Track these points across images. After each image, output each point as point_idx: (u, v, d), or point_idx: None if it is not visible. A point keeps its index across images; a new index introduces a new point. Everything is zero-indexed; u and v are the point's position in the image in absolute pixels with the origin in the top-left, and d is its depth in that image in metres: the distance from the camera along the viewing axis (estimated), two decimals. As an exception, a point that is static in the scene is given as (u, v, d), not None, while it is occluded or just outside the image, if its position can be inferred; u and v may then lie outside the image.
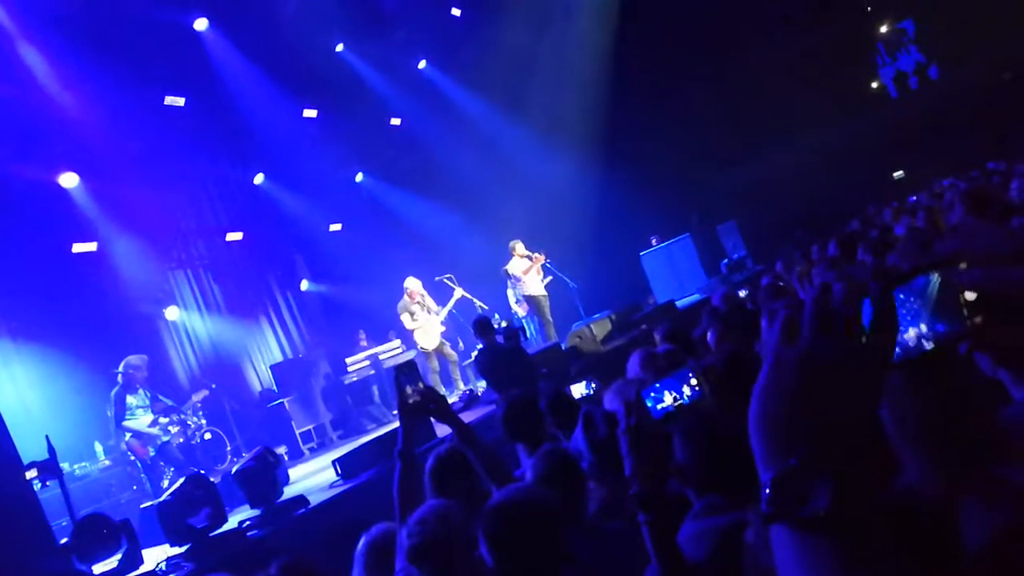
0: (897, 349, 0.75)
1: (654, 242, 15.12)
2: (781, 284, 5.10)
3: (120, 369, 8.02)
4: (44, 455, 5.58)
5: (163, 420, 8.19)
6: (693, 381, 2.11)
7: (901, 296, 0.76)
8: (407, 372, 2.83)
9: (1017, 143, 13.54)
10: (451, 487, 3.04)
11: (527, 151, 15.64)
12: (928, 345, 0.76)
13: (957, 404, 1.01)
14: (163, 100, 11.16)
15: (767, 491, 0.69)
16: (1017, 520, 0.89)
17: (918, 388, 1.02)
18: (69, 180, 10.19)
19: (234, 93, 12.11)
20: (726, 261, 13.92)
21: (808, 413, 0.69)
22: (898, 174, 18.61)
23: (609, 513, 2.75)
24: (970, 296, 0.74)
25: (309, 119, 13.50)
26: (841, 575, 0.65)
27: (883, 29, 20.48)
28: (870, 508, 0.67)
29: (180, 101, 11.37)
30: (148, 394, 8.18)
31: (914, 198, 11.76)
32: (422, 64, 15.58)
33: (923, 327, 0.76)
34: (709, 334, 4.07)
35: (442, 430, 5.76)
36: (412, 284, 10.21)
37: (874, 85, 20.39)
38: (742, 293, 7.06)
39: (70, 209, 10.23)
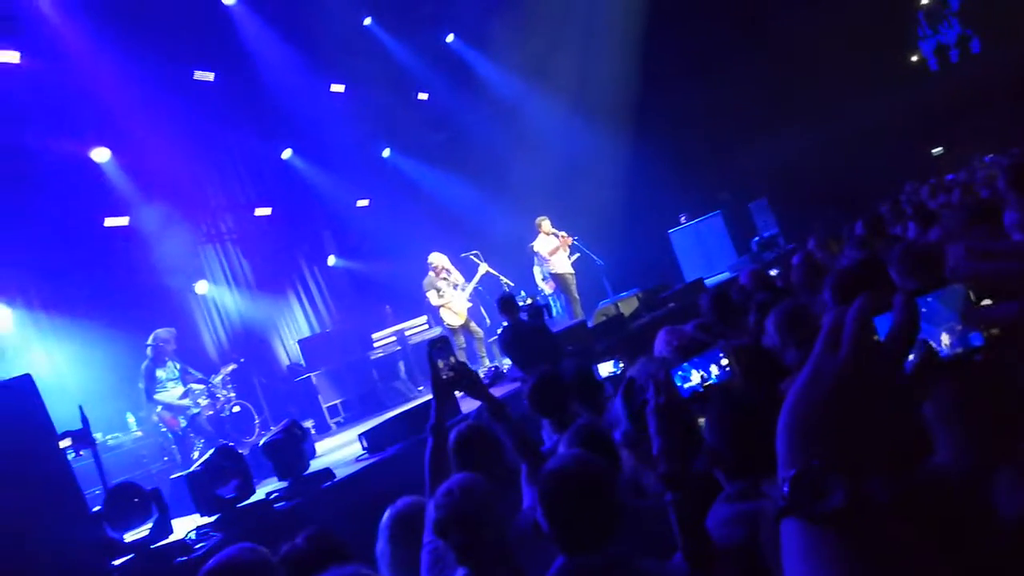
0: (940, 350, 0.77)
1: (683, 220, 14.96)
2: (816, 261, 4.99)
3: (149, 342, 8.15)
4: (78, 425, 5.69)
5: (195, 389, 8.32)
6: (723, 361, 2.07)
7: (924, 308, 0.77)
8: (440, 347, 2.84)
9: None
10: (473, 463, 3.04)
11: (555, 126, 15.48)
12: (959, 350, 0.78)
13: (993, 392, 1.00)
14: (192, 75, 11.20)
15: (785, 487, 0.71)
16: None
17: (954, 381, 1.00)
18: (101, 155, 10.30)
19: (262, 68, 12.13)
20: (757, 239, 13.75)
21: (839, 425, 0.71)
22: (937, 151, 18.16)
23: (639, 482, 2.76)
24: (983, 307, 0.76)
25: (337, 94, 13.48)
26: (850, 571, 0.66)
27: (924, 0, 19.88)
28: (887, 505, 0.68)
29: (210, 76, 11.42)
30: (178, 366, 8.30)
31: (952, 176, 11.48)
32: (450, 38, 15.46)
33: (947, 337, 0.77)
34: (749, 318, 3.99)
35: (467, 406, 5.77)
36: (437, 259, 10.14)
37: (914, 58, 19.85)
38: (773, 272, 6.95)
39: (102, 183, 10.35)
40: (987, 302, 0.76)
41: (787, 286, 5.09)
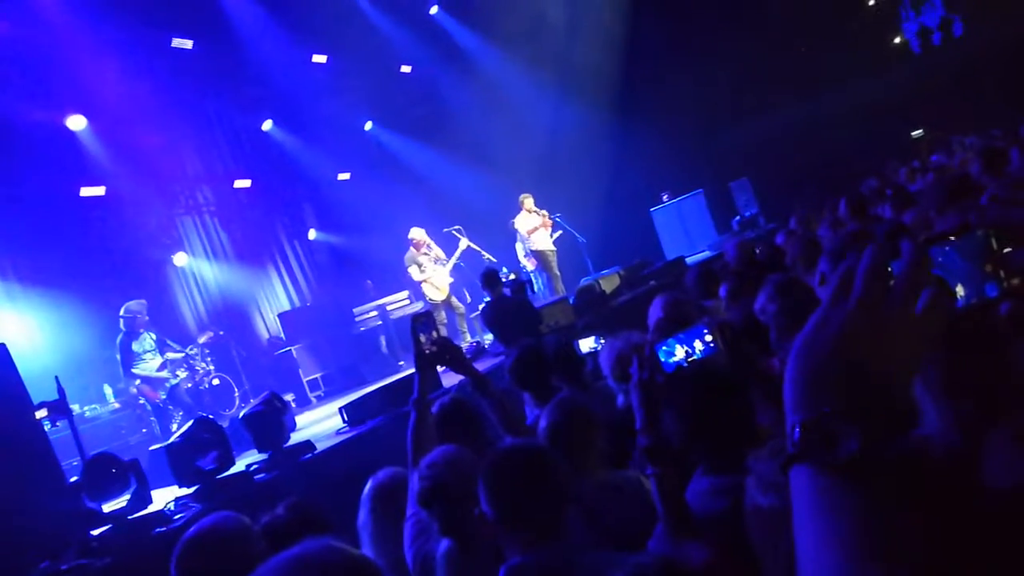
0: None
1: (665, 198, 14.98)
2: (812, 238, 5.01)
3: (122, 314, 8.07)
4: (54, 396, 5.63)
5: (171, 357, 8.27)
6: (708, 337, 2.09)
7: (940, 259, 0.76)
8: (423, 322, 2.86)
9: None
10: (456, 436, 3.05)
11: (539, 102, 15.41)
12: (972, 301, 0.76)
13: (985, 358, 1.00)
14: (170, 42, 10.98)
15: (796, 433, 0.69)
16: None
17: (949, 343, 1.01)
18: (77, 122, 10.10)
19: (243, 37, 11.90)
20: (738, 218, 13.80)
21: (849, 371, 0.69)
22: (917, 133, 18.29)
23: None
24: (1006, 255, 0.74)
25: (319, 65, 13.29)
26: (863, 520, 0.65)
27: (909, -19, 19.86)
28: (895, 457, 0.67)
29: (188, 44, 11.19)
30: (154, 337, 8.23)
31: (935, 157, 11.57)
32: (434, 10, 15.27)
33: (962, 288, 0.75)
34: (722, 288, 4.02)
35: (448, 380, 5.77)
36: (417, 234, 10.13)
37: (896, 40, 19.90)
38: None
39: (78, 152, 10.16)
40: (1008, 250, 0.74)
41: (769, 261, 5.12)
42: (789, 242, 4.95)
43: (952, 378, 1.00)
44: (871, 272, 0.71)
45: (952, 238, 0.75)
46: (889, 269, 0.72)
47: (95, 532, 4.30)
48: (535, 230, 10.92)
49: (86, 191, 10.21)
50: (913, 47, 18.39)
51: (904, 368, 0.71)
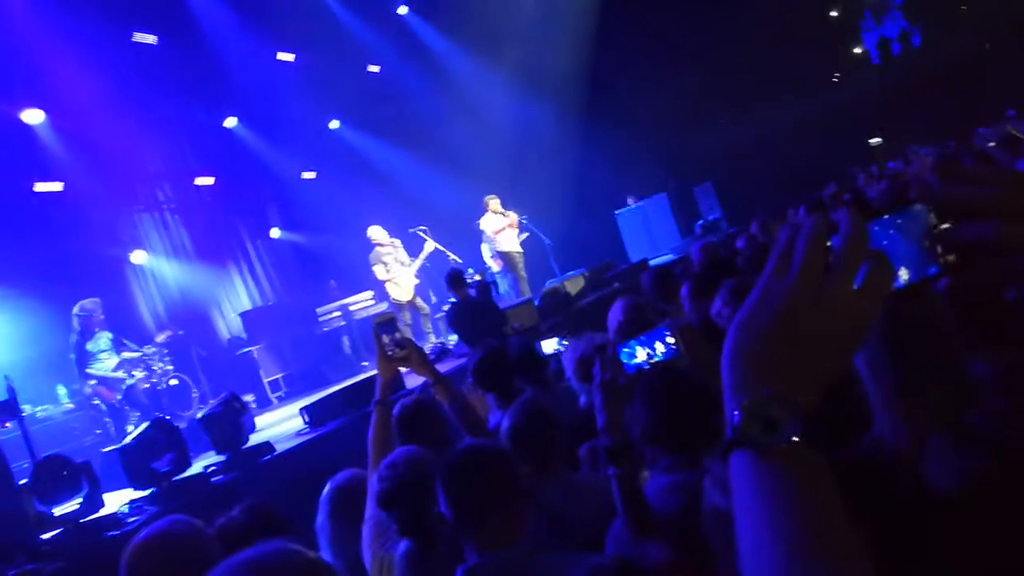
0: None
1: (630, 202, 15.11)
2: (762, 242, 5.09)
3: (75, 312, 7.88)
4: (3, 396, 5.49)
5: (127, 356, 8.10)
6: (669, 339, 2.09)
7: (885, 241, 0.72)
8: (385, 324, 2.86)
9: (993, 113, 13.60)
10: (416, 437, 3.03)
11: (506, 104, 15.43)
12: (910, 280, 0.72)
13: (927, 352, 1.01)
14: (132, 36, 10.77)
15: (735, 417, 0.67)
16: (985, 466, 0.91)
17: (888, 331, 1.01)
18: (33, 116, 9.84)
19: (207, 33, 11.72)
20: (701, 222, 13.96)
21: (789, 347, 0.68)
22: (875, 141, 18.69)
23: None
24: (944, 231, 0.70)
25: (285, 63, 13.14)
26: (801, 507, 0.63)
27: (870, -7, 20.30)
28: (841, 456, 0.66)
29: (151, 39, 10.99)
30: (110, 337, 8.06)
31: (892, 164, 11.83)
32: (403, 10, 15.20)
33: (906, 272, 0.72)
34: (683, 290, 4.05)
35: (411, 382, 5.74)
36: (376, 233, 10.10)
37: (857, 50, 20.32)
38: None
39: (34, 146, 9.90)
40: (946, 226, 0.70)
41: (730, 265, 5.17)
42: (747, 246, 5.00)
43: (903, 377, 1.00)
44: (811, 245, 0.69)
45: (888, 213, 0.72)
46: (828, 244, 0.69)
47: (45, 536, 4.20)
48: (502, 230, 10.92)
49: (41, 186, 9.95)
50: (873, 57, 18.81)
51: (843, 346, 0.69)
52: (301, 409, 6.27)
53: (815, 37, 18.68)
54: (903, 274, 0.71)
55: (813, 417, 0.66)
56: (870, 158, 16.00)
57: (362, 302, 11.92)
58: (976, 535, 0.88)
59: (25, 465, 5.62)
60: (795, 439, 0.65)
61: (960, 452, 0.94)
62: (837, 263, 0.68)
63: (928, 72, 17.50)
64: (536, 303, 8.92)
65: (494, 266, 11.62)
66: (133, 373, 8.11)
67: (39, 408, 8.27)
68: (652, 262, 11.24)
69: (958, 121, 14.29)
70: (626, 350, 2.11)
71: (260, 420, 7.92)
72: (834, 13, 19.95)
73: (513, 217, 10.97)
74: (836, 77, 18.59)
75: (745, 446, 0.66)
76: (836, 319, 0.68)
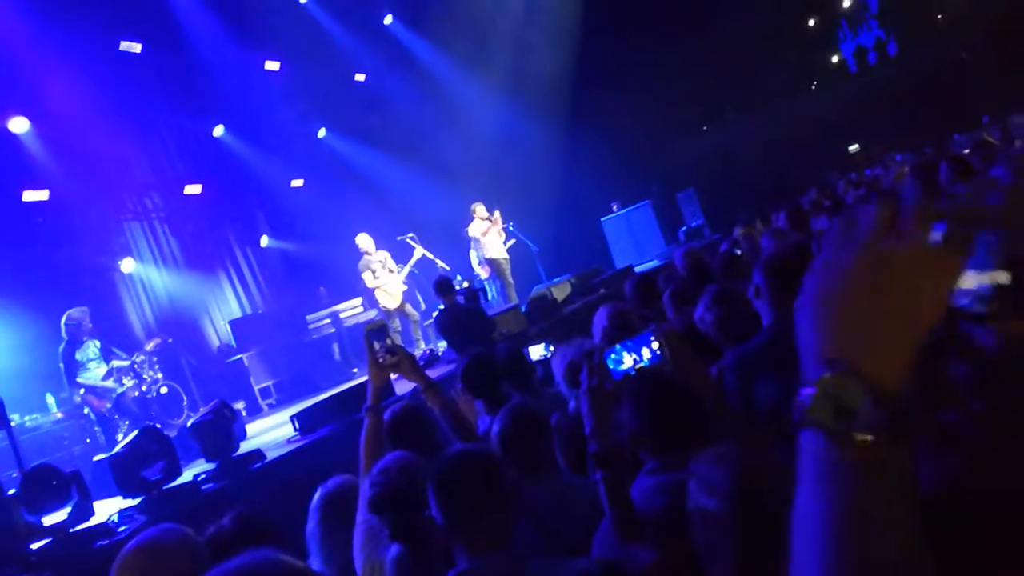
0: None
1: (615, 208, 15.20)
2: (738, 252, 5.16)
3: (64, 321, 7.87)
4: (-7, 406, 5.48)
5: (117, 364, 8.08)
6: (655, 344, 2.13)
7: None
8: (376, 331, 2.91)
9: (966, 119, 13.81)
10: (407, 442, 3.07)
11: (492, 113, 15.50)
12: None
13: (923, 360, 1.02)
14: (119, 45, 10.76)
15: (808, 395, 0.62)
16: (963, 467, 0.91)
17: None
18: (19, 125, 9.81)
19: (194, 42, 11.72)
20: (684, 228, 14.07)
21: (869, 306, 0.63)
22: (853, 148, 18.90)
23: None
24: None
25: (272, 72, 13.16)
26: (868, 514, 0.58)
27: (846, 3, 20.55)
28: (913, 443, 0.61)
29: (137, 47, 10.98)
30: (99, 345, 8.04)
31: (869, 172, 11.98)
32: (388, 19, 15.26)
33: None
34: (665, 296, 4.11)
35: (401, 388, 5.77)
36: (363, 241, 10.16)
37: (834, 59, 20.55)
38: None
39: (20, 155, 9.87)
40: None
41: (711, 271, 5.25)
42: (722, 254, 5.08)
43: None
44: (881, 208, 0.65)
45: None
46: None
47: (35, 546, 4.19)
48: (487, 232, 11.04)
49: (29, 195, 9.92)
50: (850, 66, 19.04)
51: (924, 309, 0.63)
52: (291, 416, 6.28)
53: (794, 47, 18.90)
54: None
55: (896, 403, 0.60)
56: (849, 165, 16.19)
57: (351, 309, 11.94)
58: (953, 537, 0.89)
59: (14, 475, 5.61)
60: (883, 430, 0.59)
61: (937, 454, 0.92)
62: (908, 217, 0.64)
63: (905, 80, 17.72)
64: (523, 309, 8.98)
65: (482, 273, 11.68)
66: (123, 381, 8.10)
67: (28, 417, 8.22)
68: (638, 268, 11.33)
69: (935, 128, 14.48)
70: (613, 356, 2.16)
71: (250, 428, 7.93)
72: (812, 23, 20.19)
73: (496, 216, 11.10)
74: (814, 85, 18.81)
75: (816, 428, 0.62)
76: (914, 277, 0.63)
